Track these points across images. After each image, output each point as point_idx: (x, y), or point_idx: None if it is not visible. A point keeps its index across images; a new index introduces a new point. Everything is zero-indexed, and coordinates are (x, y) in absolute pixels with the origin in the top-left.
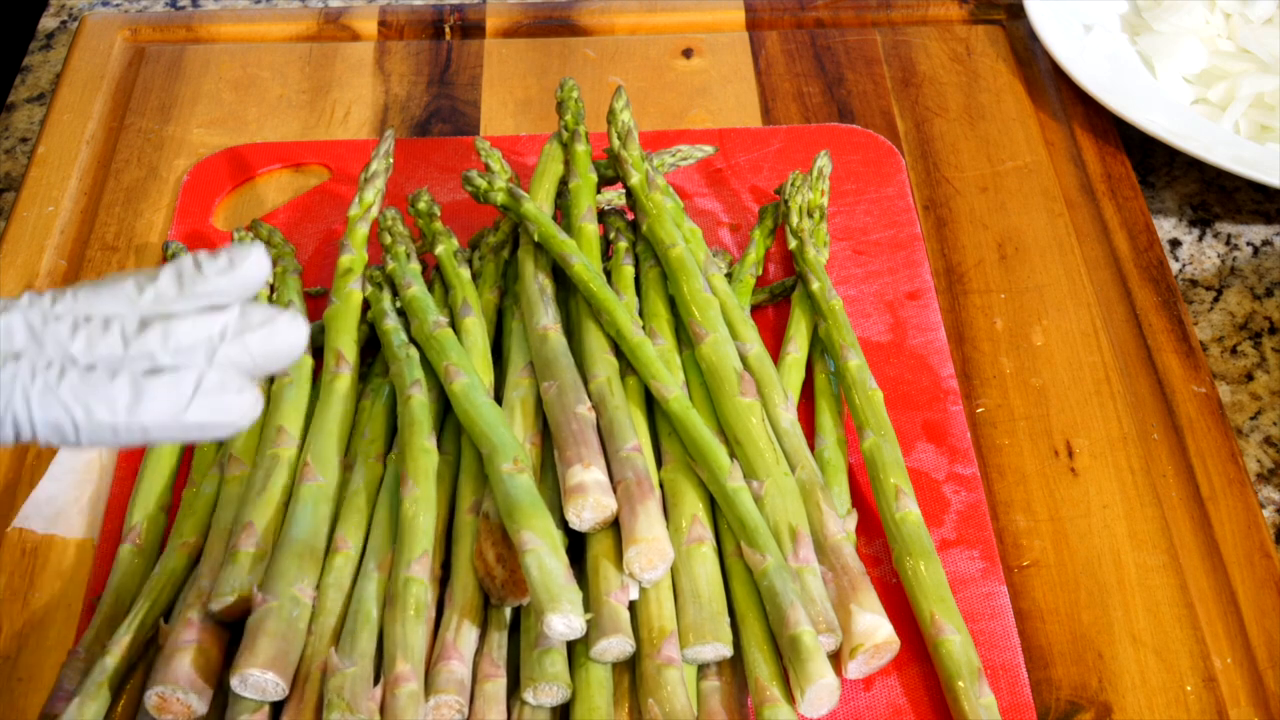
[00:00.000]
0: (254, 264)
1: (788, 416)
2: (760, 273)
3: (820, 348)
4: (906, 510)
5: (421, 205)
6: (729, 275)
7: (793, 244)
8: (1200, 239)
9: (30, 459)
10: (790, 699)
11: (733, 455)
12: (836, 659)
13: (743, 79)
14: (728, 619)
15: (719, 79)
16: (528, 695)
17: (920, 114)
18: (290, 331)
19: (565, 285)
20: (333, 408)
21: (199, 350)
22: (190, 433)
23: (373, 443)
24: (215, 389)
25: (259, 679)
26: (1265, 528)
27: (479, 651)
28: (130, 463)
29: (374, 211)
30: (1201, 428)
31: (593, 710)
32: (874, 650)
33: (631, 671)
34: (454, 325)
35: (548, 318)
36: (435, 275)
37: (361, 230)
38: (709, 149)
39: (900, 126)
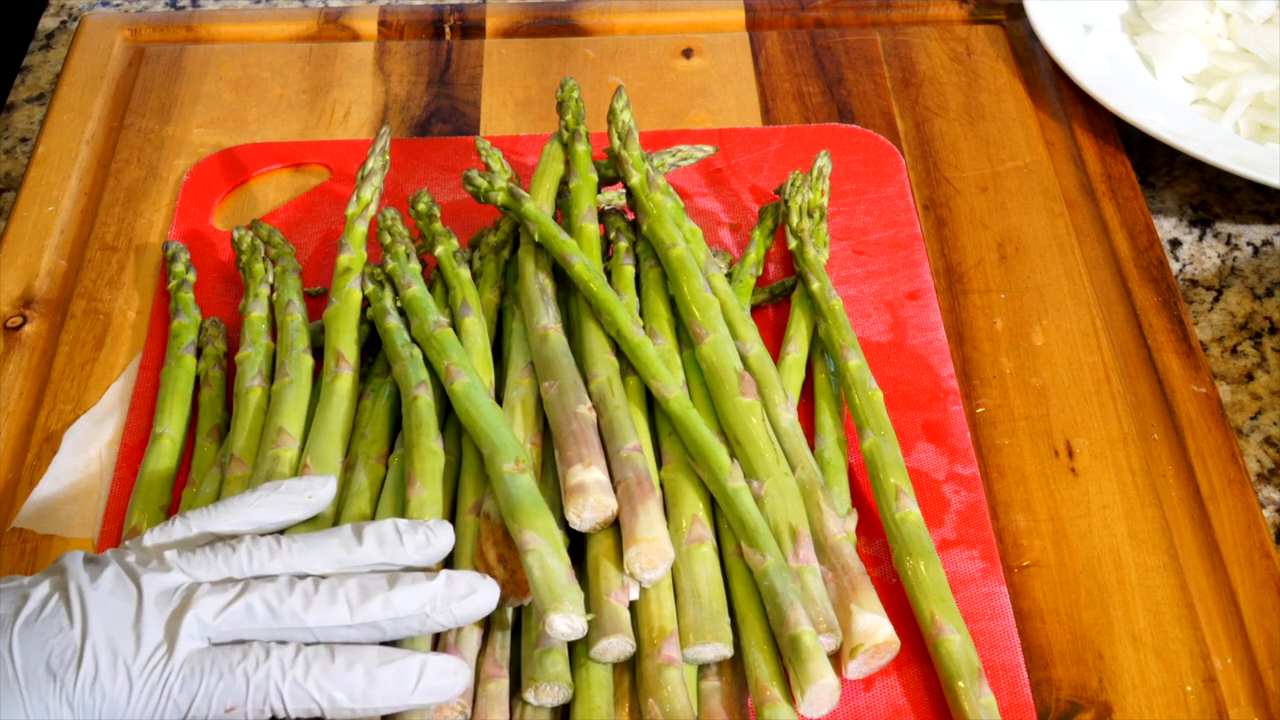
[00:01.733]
0: (446, 542)
1: (788, 416)
2: (760, 273)
3: (820, 348)
4: (906, 510)
5: (421, 206)
6: (729, 275)
7: (793, 244)
8: (1200, 239)
9: (30, 459)
10: (790, 699)
11: (733, 455)
12: (837, 659)
13: (743, 79)
14: (728, 619)
15: (719, 79)
16: (529, 695)
17: (920, 114)
18: (488, 598)
19: (565, 285)
20: (333, 409)
21: (413, 619)
22: (414, 707)
23: (374, 443)
24: (436, 673)
25: None
26: (1265, 528)
27: (481, 652)
28: (130, 463)
29: (371, 210)
30: (1201, 428)
31: (593, 710)
32: (874, 650)
33: (632, 671)
34: (454, 325)
35: (548, 318)
36: (435, 275)
37: (360, 229)
38: (709, 149)
39: (900, 126)
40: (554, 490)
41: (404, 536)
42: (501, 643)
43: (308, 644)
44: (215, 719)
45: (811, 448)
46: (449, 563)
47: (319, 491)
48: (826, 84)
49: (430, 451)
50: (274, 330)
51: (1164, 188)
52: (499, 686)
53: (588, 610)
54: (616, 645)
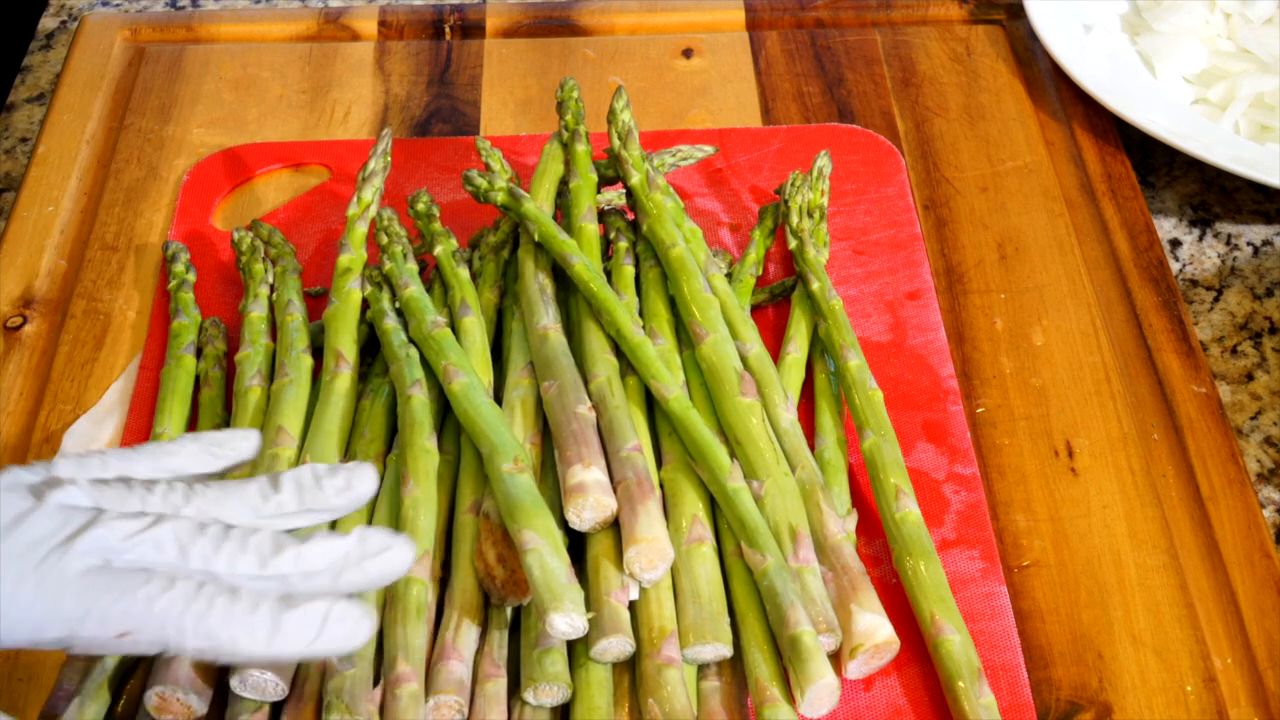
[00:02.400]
0: (368, 485)
1: (788, 416)
2: (760, 273)
3: (820, 348)
4: (906, 510)
5: (420, 206)
6: (729, 275)
7: (793, 244)
8: (1200, 239)
9: (30, 459)
10: (790, 699)
11: (733, 455)
12: (836, 659)
13: (743, 79)
14: (728, 619)
15: (719, 79)
16: (528, 695)
17: (920, 114)
18: (402, 556)
19: (565, 285)
20: (332, 408)
21: (324, 575)
22: (316, 655)
23: (372, 443)
24: (339, 620)
25: (259, 679)
26: (1265, 528)
27: (479, 651)
28: None
29: (372, 211)
30: (1201, 428)
31: (593, 710)
32: (874, 650)
33: (631, 671)
34: (453, 325)
35: (548, 318)
36: (435, 275)
37: (360, 230)
38: (709, 149)
39: (900, 126)
40: (554, 490)
41: (323, 480)
42: (500, 642)
43: None
44: (102, 642)
45: (811, 448)
46: (448, 562)
47: (239, 444)
48: (826, 84)
49: (424, 450)
50: (274, 330)
51: (1164, 188)
52: (497, 686)
53: (587, 610)
54: (616, 645)
